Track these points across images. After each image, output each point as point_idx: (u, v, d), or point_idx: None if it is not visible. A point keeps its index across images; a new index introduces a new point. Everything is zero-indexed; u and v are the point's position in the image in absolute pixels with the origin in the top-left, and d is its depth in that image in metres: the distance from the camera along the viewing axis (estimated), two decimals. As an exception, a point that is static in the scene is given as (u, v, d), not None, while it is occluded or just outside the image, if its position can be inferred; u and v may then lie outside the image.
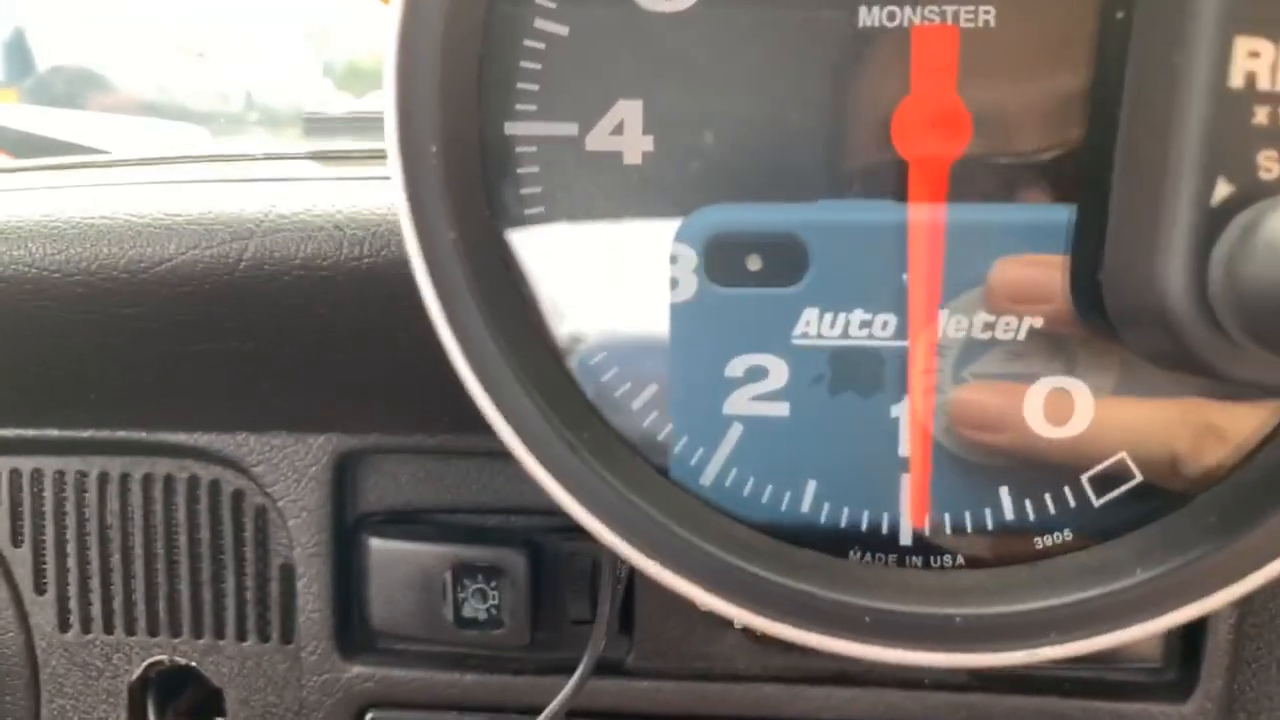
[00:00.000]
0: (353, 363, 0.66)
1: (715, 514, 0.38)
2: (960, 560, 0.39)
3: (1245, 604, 0.63)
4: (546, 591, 0.69)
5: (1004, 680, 0.67)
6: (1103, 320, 0.35)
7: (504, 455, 0.68)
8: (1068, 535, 0.39)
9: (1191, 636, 0.66)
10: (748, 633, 0.68)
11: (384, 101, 0.35)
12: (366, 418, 0.69)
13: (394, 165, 0.34)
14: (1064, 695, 0.66)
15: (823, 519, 0.39)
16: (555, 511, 0.68)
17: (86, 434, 0.72)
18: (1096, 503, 0.38)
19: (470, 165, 0.36)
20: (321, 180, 0.71)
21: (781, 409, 0.39)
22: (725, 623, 0.69)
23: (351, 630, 0.71)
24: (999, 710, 0.66)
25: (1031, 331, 0.38)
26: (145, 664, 0.74)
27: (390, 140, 0.34)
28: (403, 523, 0.71)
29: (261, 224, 0.62)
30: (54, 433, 0.73)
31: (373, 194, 0.65)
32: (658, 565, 0.35)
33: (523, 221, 0.38)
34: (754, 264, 0.39)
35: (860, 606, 0.35)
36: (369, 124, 0.79)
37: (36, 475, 0.74)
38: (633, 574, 0.64)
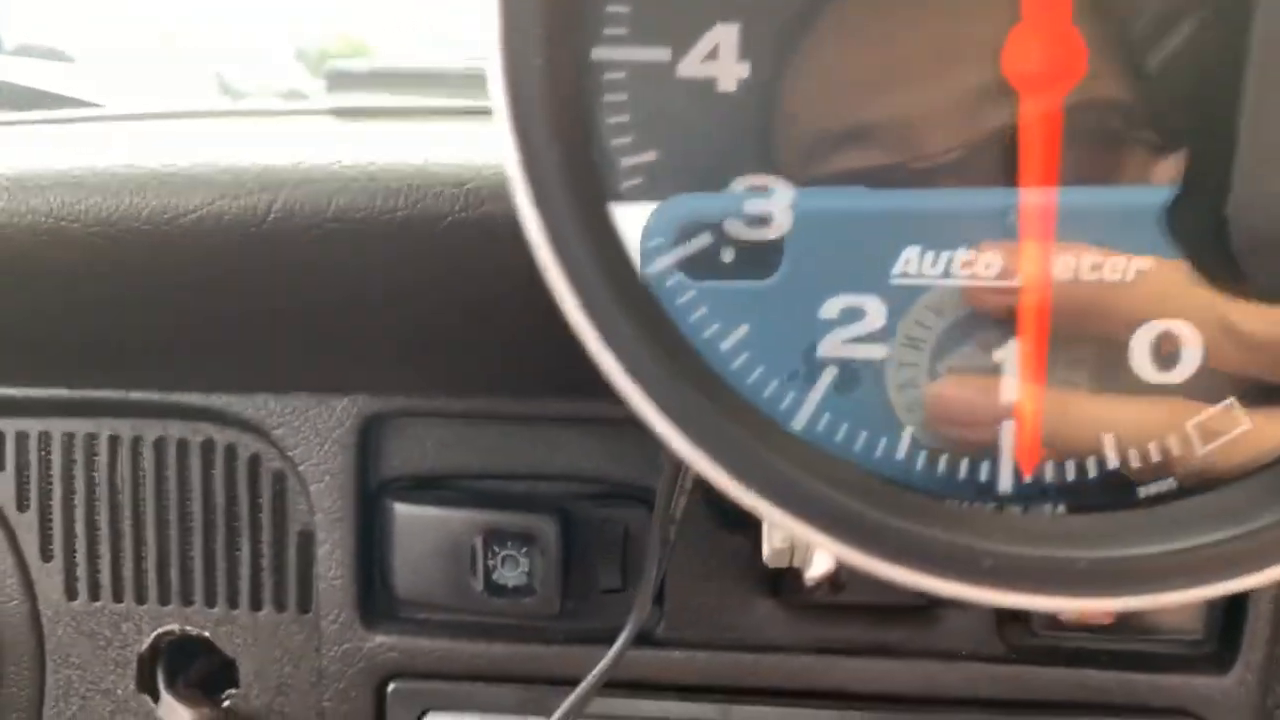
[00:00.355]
0: (382, 321, 0.64)
1: (819, 454, 0.36)
2: (1061, 508, 0.38)
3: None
4: (576, 559, 0.67)
5: (1041, 652, 0.66)
6: (1222, 257, 0.34)
7: (534, 419, 0.68)
8: (1171, 483, 0.38)
9: (1232, 608, 0.65)
10: (781, 601, 0.67)
11: (485, 23, 0.33)
12: (394, 379, 0.67)
13: (497, 81, 0.33)
14: (1102, 667, 0.65)
15: (919, 466, 0.38)
16: (586, 478, 0.68)
17: (97, 395, 0.70)
18: (1200, 450, 0.37)
19: (570, 88, 0.34)
20: (349, 133, 0.69)
21: (878, 352, 0.37)
22: (758, 592, 0.68)
23: (374, 598, 0.69)
24: (1036, 682, 0.65)
25: (1139, 273, 0.36)
26: (155, 633, 0.72)
27: (494, 57, 0.33)
28: (428, 488, 0.69)
29: (292, 174, 0.60)
30: (63, 393, 0.70)
31: (403, 148, 0.63)
32: (769, 504, 0.34)
33: (611, 151, 0.37)
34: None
35: (980, 550, 0.34)
36: (393, 80, 0.76)
37: (44, 438, 0.72)
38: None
